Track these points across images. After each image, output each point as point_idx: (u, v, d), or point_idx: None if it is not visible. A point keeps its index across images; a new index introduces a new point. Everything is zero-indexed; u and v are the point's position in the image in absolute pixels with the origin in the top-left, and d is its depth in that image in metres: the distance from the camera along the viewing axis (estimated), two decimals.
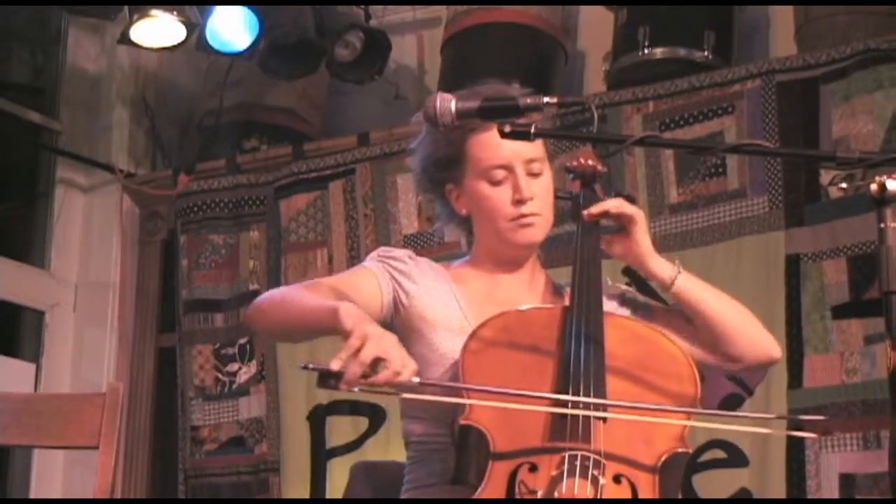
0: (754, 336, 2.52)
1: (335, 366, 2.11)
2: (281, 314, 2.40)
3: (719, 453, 3.84)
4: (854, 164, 1.98)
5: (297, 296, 2.39)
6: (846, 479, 3.68)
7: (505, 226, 2.49)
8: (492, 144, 2.46)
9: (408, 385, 2.15)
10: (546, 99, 2.23)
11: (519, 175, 2.47)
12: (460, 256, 2.69)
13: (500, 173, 2.47)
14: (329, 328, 2.23)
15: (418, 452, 2.47)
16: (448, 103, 2.26)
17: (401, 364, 2.13)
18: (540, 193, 2.49)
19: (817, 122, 3.93)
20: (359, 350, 2.11)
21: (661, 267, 2.51)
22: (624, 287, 2.66)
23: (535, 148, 2.48)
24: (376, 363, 2.12)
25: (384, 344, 2.13)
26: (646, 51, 4.22)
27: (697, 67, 4.17)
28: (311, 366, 2.15)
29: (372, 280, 2.49)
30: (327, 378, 2.12)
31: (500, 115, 2.26)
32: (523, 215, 2.47)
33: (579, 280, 2.42)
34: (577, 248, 2.47)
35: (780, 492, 3.76)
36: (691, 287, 2.51)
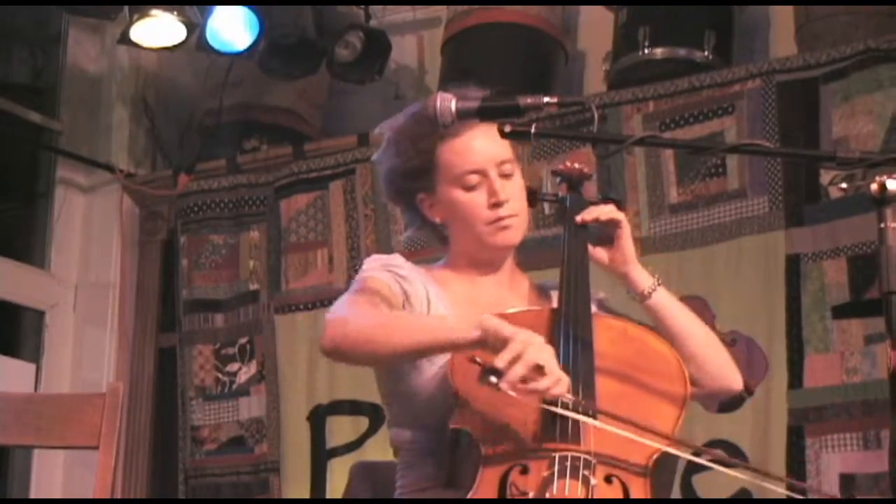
0: (720, 364, 2.49)
1: (500, 363, 2.11)
2: (393, 339, 2.27)
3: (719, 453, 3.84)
4: (854, 164, 1.98)
5: (390, 318, 2.32)
6: (846, 479, 3.68)
7: (483, 229, 2.48)
8: (463, 150, 2.46)
9: (559, 398, 2.16)
10: (546, 99, 2.23)
11: (493, 178, 2.47)
12: None
13: (474, 178, 2.47)
14: (468, 344, 2.20)
15: (408, 457, 2.46)
16: (448, 103, 2.26)
17: (558, 376, 2.14)
18: (514, 194, 2.49)
19: (817, 122, 3.93)
20: (521, 354, 2.11)
21: (641, 276, 2.50)
22: (602, 294, 2.65)
23: (506, 149, 2.48)
24: (537, 370, 2.13)
25: (546, 353, 2.14)
26: (646, 51, 4.22)
27: (697, 67, 4.17)
28: (478, 359, 2.15)
29: (387, 291, 2.46)
30: (490, 374, 2.13)
31: (500, 115, 2.25)
32: (501, 218, 2.47)
33: (567, 282, 2.42)
34: (565, 250, 2.48)
35: (780, 492, 3.76)
36: (667, 303, 2.49)
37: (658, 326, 2.48)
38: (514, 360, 2.11)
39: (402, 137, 2.51)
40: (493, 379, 2.12)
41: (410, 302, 2.47)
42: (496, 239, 2.49)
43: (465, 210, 2.48)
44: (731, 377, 2.51)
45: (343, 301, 2.40)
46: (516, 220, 2.49)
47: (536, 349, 2.13)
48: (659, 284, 2.49)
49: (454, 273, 2.56)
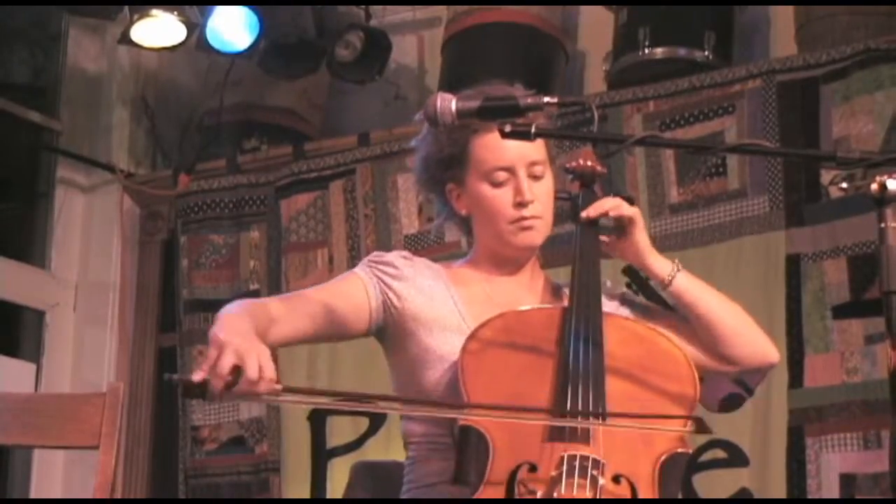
0: (752, 339, 2.52)
1: (196, 377, 2.11)
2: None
3: (719, 453, 3.84)
4: (855, 163, 1.98)
5: (237, 311, 2.33)
6: (846, 479, 3.68)
7: (505, 228, 2.49)
8: (495, 146, 2.46)
9: (272, 392, 2.13)
10: (546, 99, 2.23)
11: (521, 178, 2.47)
12: (461, 256, 2.69)
13: (502, 175, 2.47)
14: None
15: (418, 452, 2.47)
16: (448, 103, 2.26)
17: (255, 372, 2.11)
18: (541, 196, 2.49)
19: (817, 122, 3.93)
20: (214, 363, 2.11)
21: (659, 265, 2.51)
22: (624, 289, 2.66)
23: (538, 150, 2.48)
24: (236, 372, 2.10)
25: (241, 352, 2.11)
26: (646, 51, 4.22)
27: (698, 67, 4.17)
28: (174, 378, 2.14)
29: (359, 286, 2.49)
30: (192, 390, 2.11)
31: (501, 115, 2.25)
32: (523, 218, 2.47)
33: (578, 281, 2.42)
34: (576, 248, 2.48)
35: (780, 492, 3.76)
36: (690, 286, 2.50)
37: (685, 311, 2.50)
38: (209, 372, 2.10)
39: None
40: (198, 392, 2.10)
41: (401, 299, 2.48)
42: (517, 239, 2.49)
43: (490, 206, 2.49)
44: (766, 349, 2.53)
45: None
46: (539, 223, 2.49)
47: (230, 352, 2.10)
48: (679, 269, 2.49)
49: (474, 271, 2.57)
